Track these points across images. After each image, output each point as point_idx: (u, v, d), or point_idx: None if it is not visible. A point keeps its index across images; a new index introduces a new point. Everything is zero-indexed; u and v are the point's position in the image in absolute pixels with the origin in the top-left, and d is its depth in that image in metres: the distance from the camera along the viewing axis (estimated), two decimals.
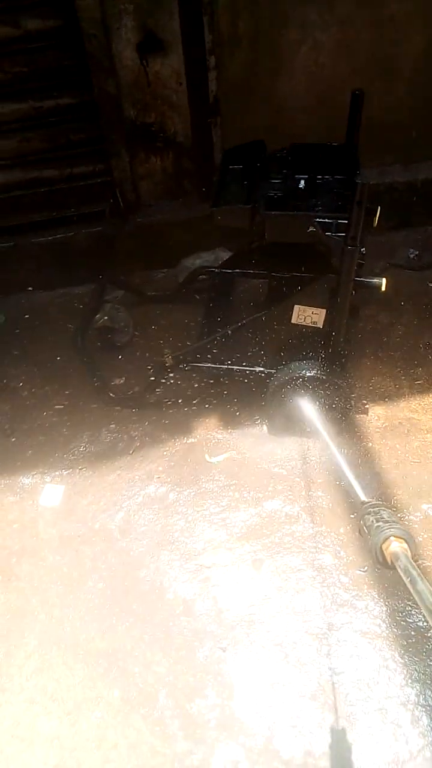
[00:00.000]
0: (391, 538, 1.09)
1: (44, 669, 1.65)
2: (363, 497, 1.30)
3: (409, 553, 1.07)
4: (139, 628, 1.71)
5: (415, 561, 1.05)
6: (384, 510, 1.18)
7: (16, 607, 1.78)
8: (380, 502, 1.22)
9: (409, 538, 1.10)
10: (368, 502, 1.23)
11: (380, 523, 1.13)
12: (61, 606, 1.77)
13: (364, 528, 1.17)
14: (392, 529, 1.10)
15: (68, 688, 1.61)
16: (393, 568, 1.06)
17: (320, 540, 1.86)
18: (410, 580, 0.99)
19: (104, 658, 1.66)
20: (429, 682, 1.55)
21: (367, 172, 2.69)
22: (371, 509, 1.19)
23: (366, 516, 1.18)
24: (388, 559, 1.08)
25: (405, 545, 1.09)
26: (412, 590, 0.97)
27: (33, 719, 1.56)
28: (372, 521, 1.15)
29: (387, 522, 1.14)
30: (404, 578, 1.01)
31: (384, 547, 1.09)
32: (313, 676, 1.58)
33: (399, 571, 1.03)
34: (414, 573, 1.00)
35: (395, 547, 1.07)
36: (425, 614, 0.92)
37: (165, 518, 1.95)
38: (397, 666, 1.58)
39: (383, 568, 1.10)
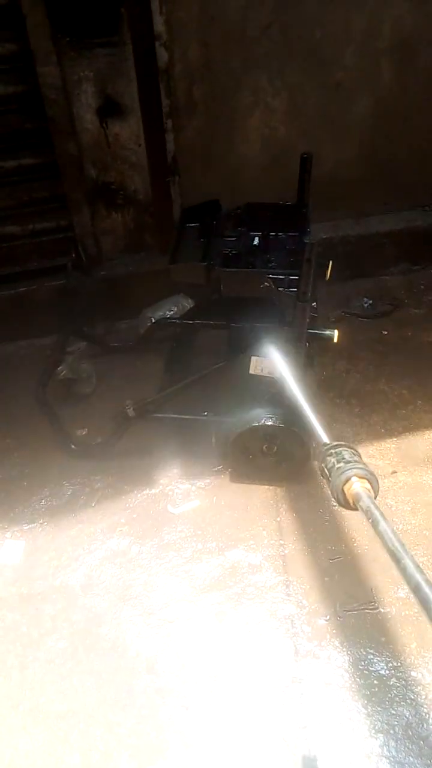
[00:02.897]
0: (353, 478, 1.02)
1: (2, 735, 1.59)
2: (325, 439, 1.20)
3: (372, 493, 1.02)
4: (101, 688, 1.67)
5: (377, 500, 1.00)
6: (346, 450, 1.10)
7: None
8: (342, 443, 1.13)
9: (371, 478, 1.05)
10: (329, 444, 1.15)
11: (341, 464, 1.05)
12: (20, 667, 1.73)
13: (326, 470, 1.09)
14: (354, 469, 1.03)
15: (26, 754, 1.56)
16: (356, 509, 1.00)
17: (283, 589, 1.87)
18: (372, 521, 0.94)
19: (65, 721, 1.61)
20: (392, 732, 1.55)
21: (320, 226, 2.82)
22: (332, 450, 1.11)
23: (327, 458, 1.10)
24: (350, 501, 1.01)
25: (367, 485, 1.03)
26: (374, 531, 0.93)
27: None
28: (333, 462, 1.07)
29: (348, 462, 1.05)
30: (366, 519, 0.96)
31: (345, 488, 1.02)
32: (276, 730, 1.57)
33: (361, 511, 0.97)
34: (376, 513, 0.95)
35: (357, 487, 1.00)
36: (388, 554, 0.87)
37: (127, 572, 1.94)
38: (360, 717, 1.58)
39: (346, 509, 1.03)
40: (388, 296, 3.03)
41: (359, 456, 1.11)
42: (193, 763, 1.52)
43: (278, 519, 2.07)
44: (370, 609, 1.81)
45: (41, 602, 1.87)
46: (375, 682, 1.65)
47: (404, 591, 1.84)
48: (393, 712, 1.59)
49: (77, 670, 1.71)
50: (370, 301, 2.98)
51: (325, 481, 1.11)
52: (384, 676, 1.66)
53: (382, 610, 1.80)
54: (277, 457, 2.12)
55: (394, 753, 1.52)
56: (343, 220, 3.08)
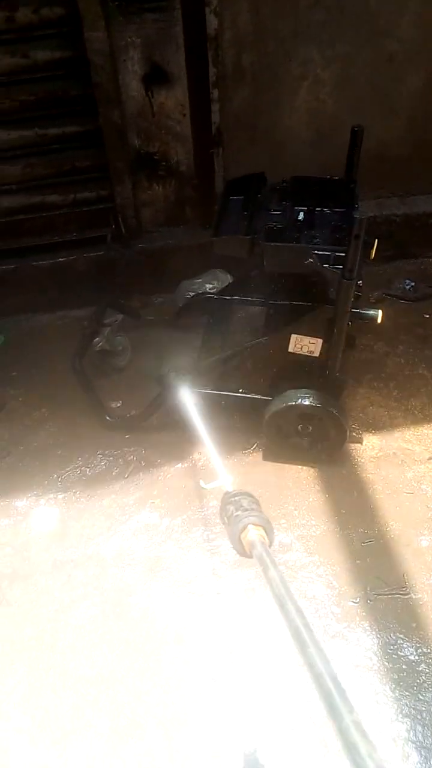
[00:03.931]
0: (249, 526, 1.06)
1: (32, 696, 1.63)
2: (229, 488, 1.24)
3: (266, 540, 1.05)
4: (129, 656, 1.70)
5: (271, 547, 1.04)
6: (245, 498, 1.15)
7: (6, 632, 1.77)
8: (242, 491, 1.18)
9: (266, 525, 1.08)
10: (230, 492, 1.19)
11: (239, 512, 1.10)
12: (52, 632, 1.76)
13: (225, 518, 1.14)
14: (250, 517, 1.07)
15: (57, 717, 1.59)
16: (251, 556, 1.03)
17: (313, 569, 1.86)
18: (263, 567, 0.97)
19: (94, 686, 1.64)
20: (419, 717, 1.54)
21: (364, 204, 2.74)
22: (232, 499, 1.15)
23: (227, 506, 1.15)
24: (246, 549, 1.05)
25: (262, 532, 1.06)
26: (264, 577, 0.95)
27: (19, 748, 1.54)
28: (232, 510, 1.12)
29: (246, 510, 1.10)
30: (259, 565, 0.99)
31: (242, 536, 1.06)
32: (303, 709, 1.57)
33: (255, 558, 1.01)
34: (267, 560, 0.97)
35: (252, 535, 1.04)
36: (273, 600, 0.89)
37: (158, 545, 1.95)
38: (388, 700, 1.58)
39: (245, 557, 1.06)
40: (431, 279, 2.95)
41: (258, 504, 1.14)
42: (218, 733, 1.54)
43: (311, 499, 2.05)
44: (401, 594, 1.79)
45: (73, 569, 1.90)
46: (404, 666, 1.64)
47: None
48: (421, 697, 1.58)
49: (107, 638, 1.73)
50: (413, 284, 2.90)
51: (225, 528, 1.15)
52: (413, 661, 1.65)
53: (414, 596, 1.78)
54: (312, 437, 2.10)
55: (420, 738, 1.51)
56: (388, 198, 3.00)
